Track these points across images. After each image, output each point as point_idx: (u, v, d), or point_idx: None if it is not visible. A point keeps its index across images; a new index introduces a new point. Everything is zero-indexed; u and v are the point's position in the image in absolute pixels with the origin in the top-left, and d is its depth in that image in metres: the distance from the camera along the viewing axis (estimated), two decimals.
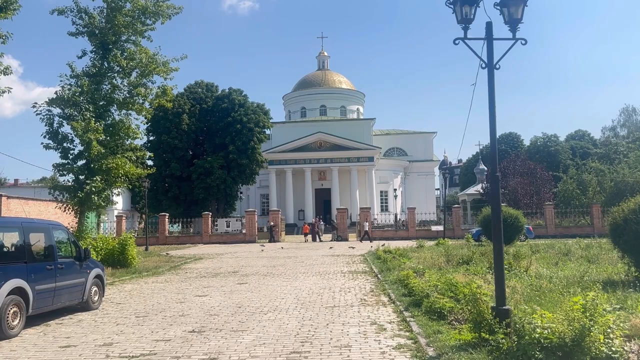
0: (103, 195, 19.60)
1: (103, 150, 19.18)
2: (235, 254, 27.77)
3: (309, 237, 42.22)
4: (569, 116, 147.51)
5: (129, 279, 16.84)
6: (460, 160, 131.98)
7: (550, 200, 43.82)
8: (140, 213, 60.48)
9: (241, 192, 57.13)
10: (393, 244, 28.53)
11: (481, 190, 49.85)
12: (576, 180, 45.60)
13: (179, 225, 48.23)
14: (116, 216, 44.28)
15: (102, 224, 47.62)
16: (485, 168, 56.07)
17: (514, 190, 44.17)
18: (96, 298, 11.15)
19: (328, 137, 61.95)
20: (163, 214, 43.78)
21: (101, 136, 18.95)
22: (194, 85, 55.41)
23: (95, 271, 11.21)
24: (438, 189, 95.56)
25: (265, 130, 55.23)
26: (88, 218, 20.56)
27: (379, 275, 15.08)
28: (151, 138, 51.83)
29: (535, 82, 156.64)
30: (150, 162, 54.13)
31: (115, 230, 42.71)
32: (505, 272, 12.30)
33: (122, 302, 12.05)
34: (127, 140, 20.60)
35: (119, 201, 54.69)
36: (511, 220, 26.04)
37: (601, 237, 34.31)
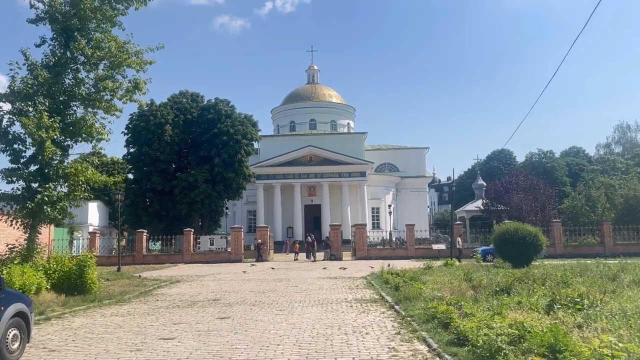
0: (58, 207, 16.33)
1: (59, 152, 16.02)
2: (218, 276, 24.52)
3: (300, 255, 39.11)
4: (560, 133, 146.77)
5: (84, 309, 13.57)
6: (449, 178, 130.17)
7: (556, 217, 41.22)
8: (119, 229, 56.81)
9: (227, 208, 53.87)
10: (394, 264, 25.62)
11: (481, 207, 47.12)
12: (585, 196, 43.08)
13: (159, 243, 44.84)
14: (89, 233, 40.57)
15: (74, 241, 44.04)
16: (484, 183, 53.55)
17: (518, 206, 41.48)
18: (16, 345, 7.92)
19: (318, 150, 59.19)
20: (141, 230, 40.28)
21: (56, 134, 15.76)
22: (178, 95, 52.44)
23: (15, 307, 7.98)
24: (428, 207, 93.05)
25: (253, 142, 52.28)
26: (38, 232, 17.13)
27: (396, 307, 11.98)
28: (131, 150, 48.79)
29: (525, 100, 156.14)
30: (130, 176, 51.16)
31: (88, 249, 39.12)
32: (578, 307, 9.38)
33: (57, 347, 8.83)
34: (90, 142, 17.37)
35: (95, 216, 51.10)
36: (530, 238, 23.21)
37: (617, 256, 31.71)
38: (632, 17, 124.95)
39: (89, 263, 15.76)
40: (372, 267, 25.91)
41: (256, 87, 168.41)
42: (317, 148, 59.20)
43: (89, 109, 18.00)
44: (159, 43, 18.31)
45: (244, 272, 26.55)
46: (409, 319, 10.11)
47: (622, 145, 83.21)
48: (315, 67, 79.79)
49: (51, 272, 15.55)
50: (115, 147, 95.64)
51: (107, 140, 17.39)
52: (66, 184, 16.63)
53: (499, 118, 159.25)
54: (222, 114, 48.84)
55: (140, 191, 46.81)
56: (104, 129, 17.37)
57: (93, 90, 17.69)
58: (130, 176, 50.93)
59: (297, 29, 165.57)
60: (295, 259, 38.64)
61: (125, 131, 48.80)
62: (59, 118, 16.07)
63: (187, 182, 44.90)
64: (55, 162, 16.77)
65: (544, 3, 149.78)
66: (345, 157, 58.98)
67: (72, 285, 15.66)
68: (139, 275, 24.29)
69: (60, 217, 16.81)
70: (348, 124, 76.23)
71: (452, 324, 8.28)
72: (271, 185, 59.04)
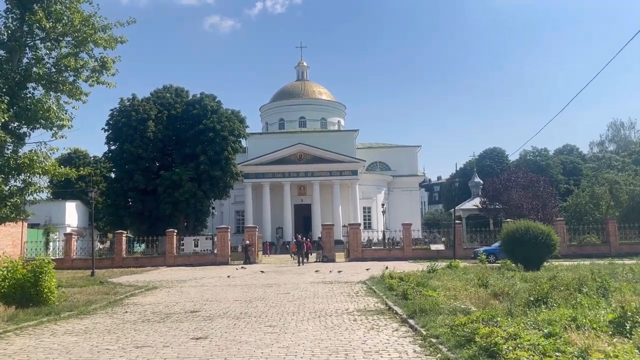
0: (9, 203, 14.02)
1: (11, 140, 13.74)
2: (201, 281, 22.30)
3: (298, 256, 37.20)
4: (550, 131, 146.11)
5: (35, 325, 11.33)
6: (439, 177, 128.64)
7: (557, 216, 39.48)
8: (100, 231, 54.16)
9: (213, 208, 51.53)
10: (391, 266, 23.62)
11: (479, 205, 45.32)
12: (589, 194, 41.37)
13: (144, 245, 42.45)
14: (65, 234, 37.98)
15: (51, 243, 41.41)
16: (481, 181, 51.86)
17: (518, 204, 39.65)
18: None
19: (309, 148, 57.11)
20: (120, 231, 37.85)
21: (6, 118, 13.42)
22: (162, 89, 50.08)
23: None
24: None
25: (241, 139, 50.06)
26: None
27: (410, 322, 9.88)
28: (112, 147, 46.39)
29: (515, 98, 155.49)
30: (111, 174, 48.61)
31: (64, 252, 36.64)
32: None
33: None
34: (50, 129, 15.03)
35: (74, 217, 48.48)
36: (542, 238, 21.23)
37: (623, 256, 30.10)
38: (629, 16, 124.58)
39: (45, 269, 13.47)
40: (367, 270, 23.90)
41: (245, 86, 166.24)
42: (308, 146, 57.18)
43: (51, 92, 15.70)
44: (130, 17, 16.06)
45: (228, 276, 24.32)
46: (433, 340, 7.99)
47: (616, 143, 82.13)
48: (305, 64, 77.72)
49: (1, 279, 13.27)
50: (97, 145, 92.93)
51: (69, 127, 15.08)
52: (20, 177, 14.35)
53: (489, 117, 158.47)
54: (208, 109, 46.63)
55: (122, 190, 44.50)
56: (65, 113, 15.05)
57: (54, 69, 15.38)
58: (112, 175, 48.53)
59: (287, 30, 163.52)
60: (293, 258, 37.04)
61: (106, 127, 46.40)
62: (7, 99, 13.70)
63: (171, 181, 42.65)
64: (9, 151, 14.48)
65: (533, 2, 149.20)
66: (336, 155, 57.06)
67: (25, 295, 13.38)
68: (100, 282, 21.94)
69: (12, 215, 14.49)
70: (338, 121, 74.29)
71: (502, 353, 6.18)
72: (260, 184, 56.94)
